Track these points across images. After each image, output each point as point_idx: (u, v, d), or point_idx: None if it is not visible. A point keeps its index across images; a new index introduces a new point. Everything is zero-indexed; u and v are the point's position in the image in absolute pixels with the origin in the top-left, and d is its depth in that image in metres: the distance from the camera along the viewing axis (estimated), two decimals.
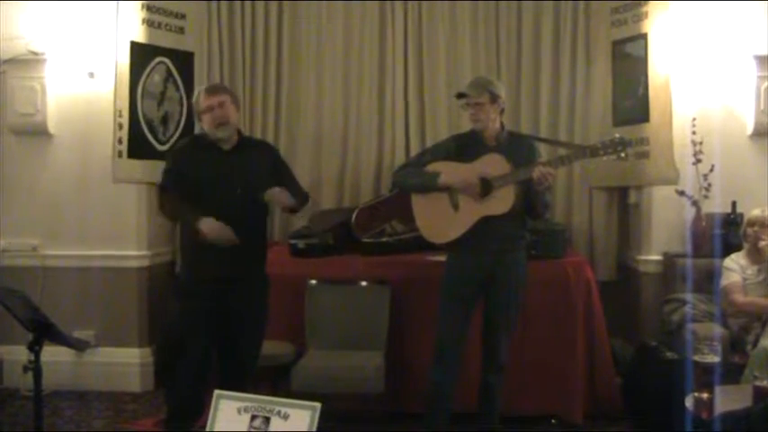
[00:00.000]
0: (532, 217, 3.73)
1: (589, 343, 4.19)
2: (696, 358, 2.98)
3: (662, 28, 4.53)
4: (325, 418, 2.01)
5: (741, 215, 4.43)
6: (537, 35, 5.01)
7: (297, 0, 5.11)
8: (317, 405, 2.00)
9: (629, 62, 4.73)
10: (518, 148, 3.65)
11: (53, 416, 4.34)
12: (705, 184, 4.53)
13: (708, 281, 4.32)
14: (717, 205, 4.55)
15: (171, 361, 3.45)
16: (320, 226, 4.66)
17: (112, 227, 4.81)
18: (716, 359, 2.94)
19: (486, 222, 3.53)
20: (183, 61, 4.93)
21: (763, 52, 4.54)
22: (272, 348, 4.01)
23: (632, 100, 4.71)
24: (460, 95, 3.65)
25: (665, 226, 4.69)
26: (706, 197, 4.54)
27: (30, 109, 4.76)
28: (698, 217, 4.53)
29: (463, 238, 3.57)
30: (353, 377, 3.89)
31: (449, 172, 3.60)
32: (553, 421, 4.20)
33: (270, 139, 5.11)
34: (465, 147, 3.66)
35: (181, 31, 4.91)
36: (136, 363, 4.84)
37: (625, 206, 4.99)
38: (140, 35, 4.68)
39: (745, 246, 4.18)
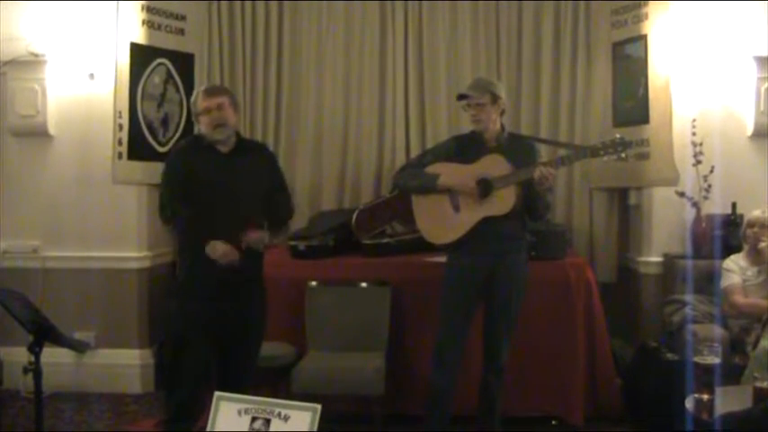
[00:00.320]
0: (533, 218, 3.73)
1: (589, 344, 4.18)
2: (696, 359, 2.98)
3: (662, 29, 4.54)
4: (325, 419, 2.01)
5: (741, 216, 4.43)
6: (537, 36, 5.02)
7: (297, 0, 5.11)
8: (318, 406, 2.00)
9: (629, 63, 4.73)
10: (518, 148, 3.66)
11: (54, 418, 4.34)
12: (705, 186, 4.53)
13: (708, 282, 4.31)
14: (717, 206, 4.56)
15: (171, 362, 3.44)
16: (320, 227, 4.66)
17: (113, 228, 4.81)
18: (716, 360, 2.94)
19: (486, 223, 3.54)
20: (184, 63, 4.94)
21: (762, 53, 4.54)
22: (273, 350, 4.01)
23: (632, 101, 4.71)
24: (462, 96, 3.65)
25: (666, 227, 4.69)
26: (706, 198, 4.54)
27: (30, 110, 4.76)
28: (698, 218, 4.53)
29: (464, 239, 3.57)
30: (354, 378, 3.89)
31: (449, 173, 3.60)
32: (553, 422, 4.19)
33: (270, 139, 5.12)
34: (465, 147, 3.67)
35: (181, 32, 4.91)
36: (136, 364, 4.84)
37: (625, 207, 4.99)
38: (140, 36, 4.68)
39: (745, 247, 4.18)
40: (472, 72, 4.94)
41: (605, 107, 4.87)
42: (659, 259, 4.70)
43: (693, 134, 4.55)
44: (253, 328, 3.45)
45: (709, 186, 4.53)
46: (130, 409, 4.54)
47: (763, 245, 4.03)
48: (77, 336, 4.55)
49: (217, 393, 2.08)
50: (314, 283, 4.25)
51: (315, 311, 4.20)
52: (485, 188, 3.54)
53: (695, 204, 4.52)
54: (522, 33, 5.03)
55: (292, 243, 4.51)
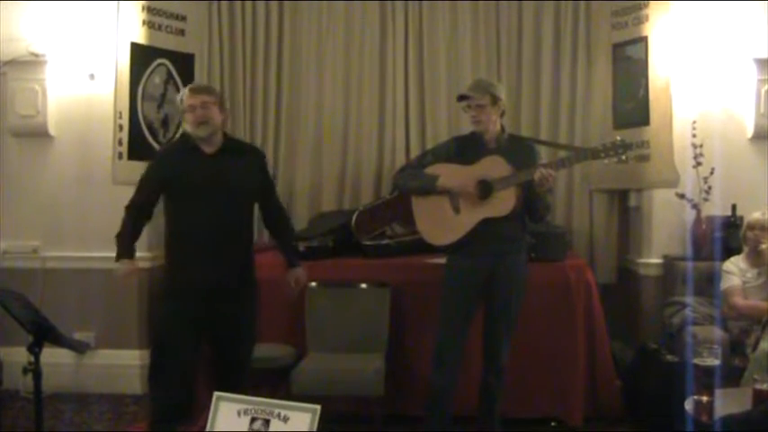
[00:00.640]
0: (533, 219, 3.73)
1: (589, 345, 4.18)
2: (696, 361, 2.97)
3: (662, 31, 4.54)
4: (324, 420, 2.01)
5: (741, 218, 4.43)
6: (537, 37, 5.02)
7: (297, 0, 5.11)
8: (317, 407, 2.00)
9: (629, 65, 4.73)
10: (518, 150, 3.66)
11: (53, 418, 4.33)
12: (705, 187, 4.53)
13: (708, 284, 4.31)
14: (717, 208, 4.56)
15: (154, 365, 3.43)
16: (320, 228, 4.66)
17: (113, 228, 4.71)
18: (716, 362, 2.93)
19: (486, 224, 3.53)
20: (184, 63, 4.93)
21: (763, 55, 4.54)
22: (273, 351, 4.02)
23: (632, 103, 4.71)
24: (462, 97, 3.65)
25: (666, 229, 4.69)
26: (706, 200, 4.54)
27: (30, 110, 4.76)
28: (698, 220, 4.53)
29: (464, 240, 3.57)
30: (353, 380, 3.89)
31: (448, 174, 3.60)
32: (553, 424, 4.19)
33: (270, 140, 5.12)
34: (465, 148, 3.67)
35: (181, 32, 4.91)
36: (136, 365, 4.83)
37: (625, 209, 4.99)
38: (141, 37, 4.68)
39: (745, 249, 4.18)
40: (472, 73, 4.94)
41: (605, 109, 4.87)
42: (659, 261, 4.70)
43: (694, 136, 4.55)
44: (242, 328, 3.42)
45: (710, 188, 4.53)
46: (130, 410, 4.53)
47: (763, 247, 4.03)
48: (77, 336, 4.55)
49: (216, 393, 2.08)
50: (314, 284, 4.24)
51: (315, 313, 4.20)
52: (485, 189, 3.54)
53: (695, 206, 4.52)
54: (523, 34, 5.03)
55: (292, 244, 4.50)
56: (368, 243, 4.53)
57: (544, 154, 3.99)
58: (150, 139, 4.80)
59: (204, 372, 3.53)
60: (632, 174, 4.70)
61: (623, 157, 3.62)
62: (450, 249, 3.67)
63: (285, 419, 2.00)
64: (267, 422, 2.01)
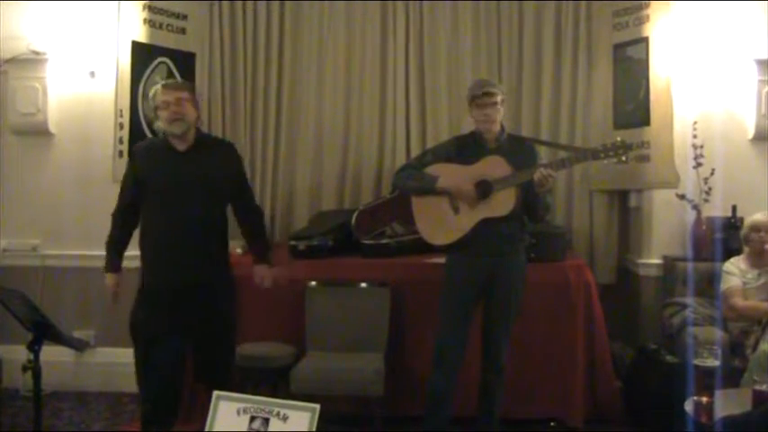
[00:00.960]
0: (532, 219, 3.73)
1: (589, 346, 4.18)
2: (696, 362, 2.98)
3: (663, 31, 4.53)
4: (324, 419, 2.01)
5: (741, 219, 4.42)
6: (538, 37, 5.01)
7: (298, 0, 5.11)
8: (317, 407, 2.00)
9: (630, 65, 4.73)
10: (518, 150, 3.66)
11: (52, 416, 4.33)
12: (706, 188, 4.54)
13: (708, 284, 4.32)
14: (717, 209, 4.56)
15: (138, 366, 3.43)
16: (320, 227, 4.66)
17: None
18: (716, 363, 2.94)
19: (485, 224, 3.53)
20: (185, 62, 4.93)
21: (764, 56, 4.54)
22: (272, 350, 4.01)
23: (633, 103, 4.71)
24: (487, 93, 3.59)
25: (666, 229, 4.69)
26: (706, 201, 4.54)
27: (31, 108, 4.76)
28: (698, 220, 4.53)
29: (463, 240, 3.57)
30: (353, 379, 3.88)
31: (448, 175, 3.60)
32: (552, 424, 4.19)
33: (271, 139, 5.12)
34: (465, 148, 3.66)
35: (182, 31, 4.91)
36: None
37: (625, 209, 4.99)
38: (141, 35, 4.68)
39: (746, 250, 4.17)
40: (473, 73, 4.93)
41: (606, 109, 4.86)
42: (659, 261, 4.70)
43: (694, 137, 4.55)
44: (220, 326, 3.41)
45: (710, 189, 4.53)
46: (129, 408, 4.53)
47: None
48: (77, 334, 4.54)
49: (216, 392, 2.08)
50: (313, 283, 4.24)
51: (314, 312, 4.20)
52: (484, 189, 3.54)
53: (695, 207, 4.52)
54: (523, 34, 5.02)
55: (292, 243, 4.51)
56: (368, 242, 4.52)
57: (544, 154, 3.98)
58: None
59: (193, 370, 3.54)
60: (632, 174, 4.69)
61: (624, 158, 3.62)
62: (449, 249, 3.66)
63: (284, 418, 2.01)
64: (266, 421, 2.01)
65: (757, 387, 2.88)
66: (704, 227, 4.52)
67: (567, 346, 4.12)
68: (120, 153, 4.64)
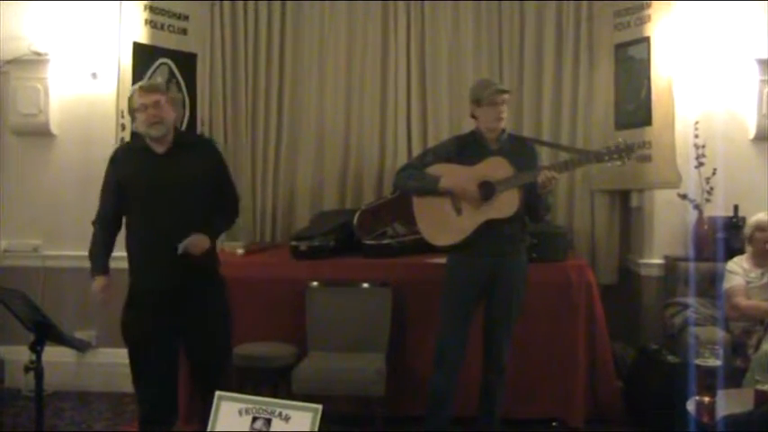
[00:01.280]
0: (533, 219, 3.73)
1: (590, 346, 4.18)
2: (698, 362, 2.97)
3: (665, 31, 4.53)
4: (326, 420, 2.01)
5: (743, 219, 4.42)
6: (539, 37, 5.01)
7: (300, 0, 5.11)
8: (319, 407, 2.00)
9: (631, 65, 4.73)
10: (519, 150, 3.65)
11: (54, 417, 4.34)
12: (707, 188, 4.53)
13: (710, 284, 4.32)
14: (719, 209, 4.55)
15: (131, 368, 3.42)
16: (322, 227, 4.66)
17: None
18: (718, 363, 2.93)
19: (488, 224, 3.53)
20: (186, 62, 4.93)
21: (765, 56, 4.54)
22: (273, 350, 4.01)
23: (635, 103, 4.70)
24: (500, 91, 3.59)
25: (667, 229, 4.69)
26: (708, 201, 4.54)
27: (32, 109, 4.77)
28: (700, 220, 4.53)
29: (464, 240, 3.57)
30: (354, 379, 3.88)
31: (450, 175, 3.59)
32: (554, 424, 4.19)
33: (272, 138, 5.12)
34: (466, 148, 3.66)
35: (184, 32, 4.91)
36: None
37: (627, 209, 4.99)
38: (143, 36, 4.68)
39: (749, 249, 4.17)
40: (474, 73, 4.93)
41: (607, 109, 4.86)
42: (661, 261, 4.70)
43: (696, 136, 4.55)
44: (211, 328, 3.38)
45: (711, 189, 4.53)
46: (130, 409, 4.53)
47: None
48: (78, 335, 4.53)
49: (218, 393, 2.08)
50: (315, 283, 4.24)
51: (315, 312, 4.20)
52: (487, 191, 3.53)
53: (697, 207, 4.52)
54: (525, 34, 5.02)
55: (293, 243, 4.50)
56: (369, 242, 4.52)
57: (545, 155, 3.97)
58: None
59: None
60: (634, 174, 4.69)
61: (627, 160, 3.61)
62: (450, 249, 3.66)
63: (286, 419, 2.00)
64: (268, 421, 2.01)
65: (759, 387, 2.87)
66: (706, 227, 4.52)
67: (569, 346, 4.12)
68: None
